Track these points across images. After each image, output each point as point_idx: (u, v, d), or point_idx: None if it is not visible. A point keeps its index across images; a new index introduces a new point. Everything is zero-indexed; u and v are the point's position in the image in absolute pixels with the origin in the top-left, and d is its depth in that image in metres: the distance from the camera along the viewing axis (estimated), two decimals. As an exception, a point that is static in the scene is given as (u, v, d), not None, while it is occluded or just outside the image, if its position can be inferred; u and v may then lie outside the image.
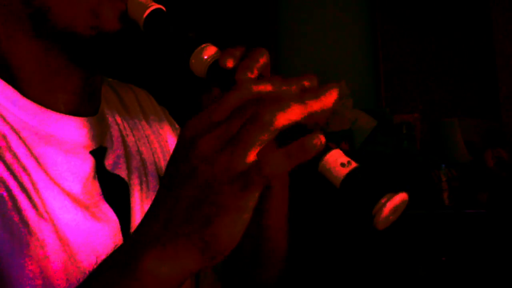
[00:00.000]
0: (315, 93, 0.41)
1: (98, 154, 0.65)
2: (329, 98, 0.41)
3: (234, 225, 0.39)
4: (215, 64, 0.50)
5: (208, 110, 0.41)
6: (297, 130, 0.41)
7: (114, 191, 0.64)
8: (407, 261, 1.69)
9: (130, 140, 0.71)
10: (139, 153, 0.71)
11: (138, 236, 0.43)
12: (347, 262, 1.73)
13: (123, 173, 0.67)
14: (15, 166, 0.56)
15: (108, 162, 0.66)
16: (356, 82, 2.27)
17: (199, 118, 0.41)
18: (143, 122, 0.76)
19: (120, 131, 0.71)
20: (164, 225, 0.41)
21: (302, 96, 0.40)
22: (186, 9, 2.53)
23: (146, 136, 0.75)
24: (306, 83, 0.46)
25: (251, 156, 0.38)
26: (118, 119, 0.72)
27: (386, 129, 2.01)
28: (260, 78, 0.46)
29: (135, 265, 0.41)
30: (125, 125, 0.73)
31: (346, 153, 0.43)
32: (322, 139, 0.38)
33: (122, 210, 0.64)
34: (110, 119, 0.70)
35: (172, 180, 0.42)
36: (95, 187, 0.62)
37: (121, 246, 0.45)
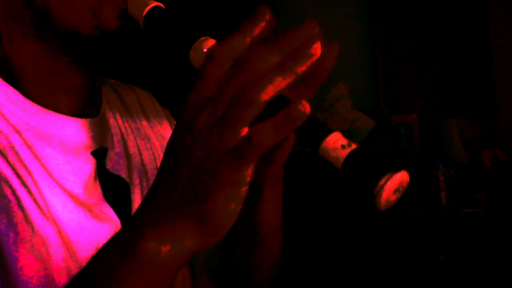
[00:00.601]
0: (297, 59, 0.40)
1: (99, 154, 0.65)
2: (312, 53, 0.40)
3: (231, 199, 0.40)
4: None
5: (195, 91, 0.42)
6: (283, 98, 0.41)
7: (115, 192, 0.64)
8: (405, 259, 1.69)
9: (131, 140, 0.71)
10: (140, 153, 0.71)
11: (138, 218, 0.43)
12: (346, 260, 1.73)
13: (123, 174, 0.67)
14: (18, 166, 0.57)
15: (109, 163, 0.66)
16: (355, 83, 2.27)
17: (190, 100, 0.42)
18: (144, 123, 0.76)
19: (121, 131, 0.71)
20: (163, 206, 0.41)
21: (282, 65, 0.40)
22: (185, 8, 2.54)
23: (146, 137, 0.74)
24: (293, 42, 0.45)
25: (244, 131, 0.39)
26: (119, 120, 0.72)
27: (384, 130, 2.01)
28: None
29: (134, 246, 0.41)
30: (126, 125, 0.73)
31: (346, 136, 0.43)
32: (307, 106, 0.39)
33: (122, 210, 0.64)
34: (111, 120, 0.70)
35: (169, 161, 0.42)
36: (96, 188, 0.63)
37: (121, 229, 0.45)
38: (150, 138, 0.75)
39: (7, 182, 0.55)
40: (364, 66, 2.45)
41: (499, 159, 1.93)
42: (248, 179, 0.40)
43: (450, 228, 1.72)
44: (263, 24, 0.45)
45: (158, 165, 0.72)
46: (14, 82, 0.60)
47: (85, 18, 0.58)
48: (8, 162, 0.56)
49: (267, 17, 0.46)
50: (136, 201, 0.66)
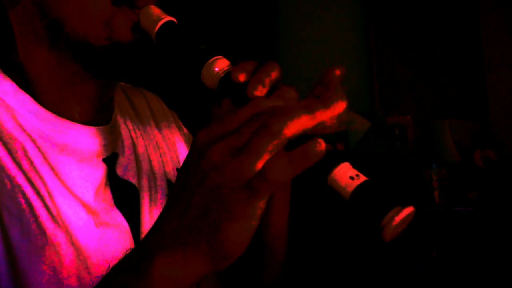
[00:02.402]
0: (324, 103, 0.40)
1: (110, 161, 0.64)
2: (337, 108, 0.40)
3: (242, 232, 0.39)
4: (226, 77, 0.49)
5: (221, 121, 0.41)
6: (305, 139, 0.40)
7: (125, 197, 0.64)
8: (399, 256, 1.69)
9: (140, 145, 0.71)
10: (148, 158, 0.70)
11: (150, 241, 0.43)
12: (342, 257, 1.73)
13: (133, 180, 0.66)
14: (32, 174, 0.56)
15: (119, 168, 0.65)
16: (351, 85, 2.27)
17: (212, 127, 0.41)
18: (153, 127, 0.75)
19: (131, 137, 0.70)
20: (175, 231, 0.40)
21: (311, 106, 0.39)
22: (186, 12, 2.53)
23: (155, 141, 0.74)
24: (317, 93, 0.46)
25: (260, 164, 0.38)
26: (129, 125, 0.71)
27: (379, 131, 2.01)
28: (272, 93, 0.46)
29: (146, 269, 0.40)
30: (136, 130, 0.72)
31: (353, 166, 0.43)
32: (323, 144, 0.38)
33: (132, 215, 0.63)
34: (122, 125, 0.69)
35: (183, 186, 0.41)
36: (107, 194, 0.62)
37: (133, 250, 0.44)
38: (159, 142, 0.74)
39: (20, 189, 0.54)
40: (359, 69, 2.45)
41: (490, 159, 1.93)
42: (259, 214, 0.39)
43: (443, 225, 1.72)
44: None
45: (166, 169, 0.72)
46: (30, 90, 0.60)
47: (98, 30, 0.57)
48: (22, 170, 0.55)
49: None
50: (145, 206, 0.65)
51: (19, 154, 0.56)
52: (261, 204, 0.39)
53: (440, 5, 2.50)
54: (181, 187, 0.42)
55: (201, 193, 0.39)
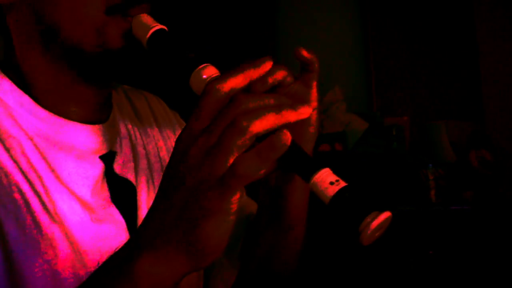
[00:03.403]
0: (291, 104, 0.41)
1: (108, 158, 0.64)
2: (303, 111, 0.41)
3: (219, 227, 0.40)
4: None
5: (192, 120, 0.42)
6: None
7: (122, 194, 0.64)
8: (397, 254, 1.69)
9: (139, 144, 0.71)
10: (147, 157, 0.71)
11: (134, 240, 0.44)
12: (340, 255, 1.73)
13: (131, 177, 0.66)
14: (29, 171, 0.56)
15: (117, 166, 0.65)
16: (349, 87, 2.27)
17: (187, 129, 0.42)
18: (154, 127, 0.75)
19: (129, 136, 0.70)
20: (157, 231, 0.41)
21: (279, 106, 0.41)
22: (186, 13, 2.54)
23: (155, 141, 0.74)
24: (280, 75, 0.47)
25: (231, 161, 0.39)
26: (129, 125, 0.71)
27: (377, 131, 2.02)
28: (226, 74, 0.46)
29: (130, 268, 0.41)
30: (136, 130, 0.72)
31: (335, 171, 0.43)
32: (288, 135, 0.39)
33: (129, 211, 0.63)
34: (121, 124, 0.70)
35: (165, 189, 0.42)
36: (104, 190, 0.62)
37: (119, 250, 0.45)
38: (158, 142, 0.74)
39: (17, 186, 0.55)
40: (358, 71, 2.45)
41: (485, 159, 1.93)
42: (234, 209, 0.40)
43: (439, 224, 1.72)
44: (263, 71, 0.45)
45: (164, 168, 0.72)
46: (28, 90, 0.61)
47: (90, 37, 0.57)
48: (19, 167, 0.56)
49: (268, 66, 0.46)
50: (142, 202, 0.66)
51: (17, 152, 0.57)
52: (235, 198, 0.39)
53: (436, 8, 2.50)
54: (163, 190, 0.43)
55: (181, 193, 0.40)
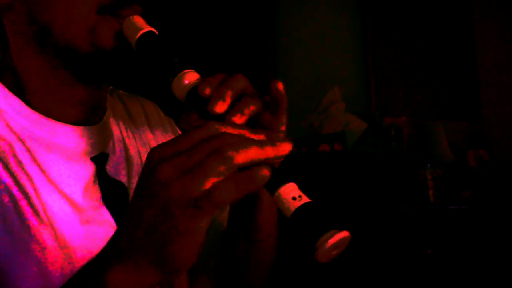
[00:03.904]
0: (273, 142, 0.42)
1: (99, 160, 0.64)
2: (284, 149, 0.42)
3: (188, 247, 0.40)
4: (194, 90, 0.50)
5: (174, 140, 0.42)
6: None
7: (114, 195, 0.64)
8: (395, 253, 1.69)
9: (133, 147, 0.71)
10: (140, 159, 0.71)
11: (106, 252, 0.44)
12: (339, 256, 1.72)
13: (123, 179, 0.66)
14: (19, 173, 0.56)
15: (109, 168, 0.65)
16: (348, 87, 2.27)
17: (165, 146, 0.42)
18: (147, 132, 0.76)
19: (123, 138, 0.70)
20: (128, 244, 0.42)
21: (262, 142, 0.41)
22: (186, 14, 2.54)
23: (148, 145, 0.74)
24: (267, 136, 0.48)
25: (207, 185, 0.39)
26: (123, 128, 0.72)
27: (375, 131, 2.01)
28: (228, 121, 0.48)
29: (102, 278, 0.42)
30: (129, 133, 0.72)
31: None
32: (267, 172, 0.39)
33: (120, 213, 0.64)
34: (114, 127, 0.70)
35: (137, 201, 0.42)
36: (95, 192, 0.62)
37: (91, 260, 0.45)
38: (152, 146, 0.75)
39: (6, 188, 0.55)
40: (357, 72, 2.45)
41: (483, 159, 1.93)
42: (204, 230, 0.40)
43: (438, 224, 1.72)
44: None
45: None
46: (21, 92, 0.61)
47: (82, 37, 0.58)
48: (8, 169, 0.56)
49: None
50: None
51: (7, 154, 0.57)
52: (206, 220, 0.40)
53: (435, 9, 2.50)
54: (135, 202, 0.43)
55: (151, 209, 0.40)
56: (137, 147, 0.72)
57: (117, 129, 0.70)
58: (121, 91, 0.78)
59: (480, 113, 2.41)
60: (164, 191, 0.40)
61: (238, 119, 0.48)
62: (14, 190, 0.55)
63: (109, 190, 0.64)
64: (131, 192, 0.66)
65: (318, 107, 2.11)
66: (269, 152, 0.41)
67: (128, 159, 0.69)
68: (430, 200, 1.83)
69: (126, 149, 0.69)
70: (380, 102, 2.54)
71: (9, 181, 0.55)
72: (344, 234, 0.41)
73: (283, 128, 0.56)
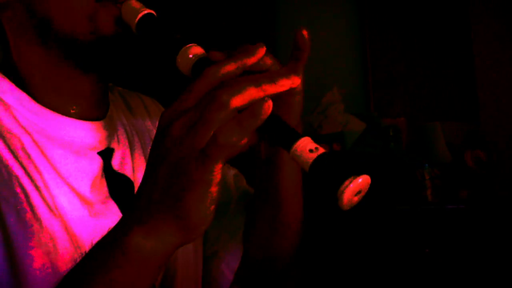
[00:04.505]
0: (271, 77, 0.41)
1: (106, 155, 0.65)
2: (285, 83, 0.42)
3: (203, 199, 0.40)
4: (200, 62, 0.50)
5: (179, 99, 0.42)
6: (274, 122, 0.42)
7: (120, 189, 0.64)
8: (393, 252, 1.69)
9: (136, 141, 0.71)
10: (144, 153, 0.71)
11: (126, 217, 0.45)
12: (337, 253, 1.73)
13: (128, 172, 0.66)
14: (29, 166, 0.56)
15: (115, 162, 0.65)
16: (347, 88, 2.28)
17: (173, 106, 0.42)
18: (149, 125, 0.76)
19: (126, 133, 0.70)
20: (145, 206, 0.42)
21: (259, 80, 0.41)
22: (185, 12, 2.53)
23: (150, 138, 0.74)
24: (268, 61, 0.48)
25: (212, 134, 0.39)
26: (125, 122, 0.72)
27: (374, 132, 2.02)
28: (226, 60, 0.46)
29: (122, 241, 0.42)
30: (132, 127, 0.72)
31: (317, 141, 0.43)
32: (270, 103, 0.39)
33: (126, 206, 0.63)
34: (118, 122, 0.70)
35: (151, 163, 0.43)
36: (103, 186, 0.62)
37: (111, 228, 0.46)
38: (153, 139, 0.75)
39: (18, 180, 0.55)
40: (355, 73, 2.45)
41: (480, 159, 1.93)
42: (217, 180, 0.40)
43: (435, 223, 1.72)
44: (256, 58, 0.45)
45: None
46: (24, 86, 0.61)
47: (82, 25, 0.58)
48: (19, 162, 0.56)
49: (261, 53, 0.46)
50: None
51: (17, 148, 0.57)
52: (217, 168, 0.39)
53: (432, 11, 2.50)
54: (150, 164, 0.43)
55: (165, 168, 0.41)
56: (140, 141, 0.72)
57: (120, 124, 0.71)
58: (121, 88, 0.78)
59: (478, 113, 2.41)
60: (175, 149, 0.40)
61: (245, 60, 0.46)
62: (25, 182, 0.55)
63: (116, 184, 0.64)
64: (136, 186, 0.66)
65: (317, 107, 2.11)
66: (268, 89, 0.40)
67: (132, 153, 0.69)
68: (428, 199, 1.83)
69: (130, 143, 0.70)
70: (378, 103, 2.55)
71: (20, 172, 0.55)
72: (364, 178, 0.41)
73: (299, 77, 0.53)
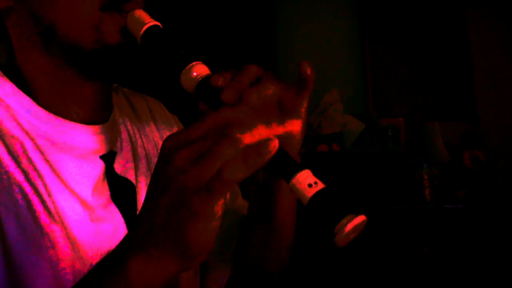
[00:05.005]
0: (280, 119, 0.42)
1: (108, 158, 0.64)
2: (293, 126, 0.42)
3: (204, 231, 0.40)
4: (203, 82, 0.49)
5: (187, 129, 0.42)
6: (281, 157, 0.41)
7: (122, 193, 0.64)
8: (392, 251, 1.69)
9: (139, 145, 0.71)
10: (146, 157, 0.70)
11: (126, 242, 0.44)
12: (335, 255, 1.73)
13: (131, 176, 0.66)
14: (30, 171, 0.56)
15: (117, 166, 0.65)
16: (346, 89, 2.27)
17: (178, 134, 0.42)
18: (153, 128, 0.75)
19: (129, 136, 0.70)
20: (147, 232, 0.41)
21: (270, 119, 0.41)
22: (186, 14, 2.53)
23: (154, 141, 0.74)
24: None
25: (217, 168, 0.38)
26: (129, 125, 0.71)
27: (373, 132, 2.02)
28: (239, 101, 0.47)
29: (122, 268, 0.42)
30: (135, 130, 0.72)
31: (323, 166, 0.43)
32: (276, 142, 0.39)
33: (128, 211, 0.63)
34: (121, 125, 0.69)
35: (153, 190, 0.42)
36: (105, 190, 0.62)
37: (112, 251, 0.45)
38: (157, 142, 0.74)
39: (19, 186, 0.54)
40: (354, 74, 2.45)
41: (478, 159, 1.93)
42: (219, 213, 0.39)
43: (434, 222, 1.72)
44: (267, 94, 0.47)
45: None
46: (28, 91, 0.60)
47: (87, 34, 0.57)
48: (20, 167, 0.56)
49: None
50: (141, 202, 0.66)
51: (18, 152, 0.56)
52: (220, 203, 0.39)
53: (431, 12, 2.50)
54: (151, 191, 0.43)
55: (167, 196, 0.40)
56: (143, 144, 0.71)
57: (123, 127, 0.70)
58: (126, 89, 0.78)
59: (476, 114, 2.41)
60: (178, 178, 0.39)
61: (256, 99, 0.47)
62: (27, 187, 0.55)
63: (118, 188, 0.64)
64: (138, 189, 0.66)
65: (316, 108, 2.12)
66: (277, 129, 0.41)
67: (135, 157, 0.68)
68: (426, 199, 1.83)
69: (133, 146, 0.69)
70: (377, 103, 2.55)
71: (21, 178, 0.55)
72: (361, 218, 0.41)
73: (303, 110, 0.53)
